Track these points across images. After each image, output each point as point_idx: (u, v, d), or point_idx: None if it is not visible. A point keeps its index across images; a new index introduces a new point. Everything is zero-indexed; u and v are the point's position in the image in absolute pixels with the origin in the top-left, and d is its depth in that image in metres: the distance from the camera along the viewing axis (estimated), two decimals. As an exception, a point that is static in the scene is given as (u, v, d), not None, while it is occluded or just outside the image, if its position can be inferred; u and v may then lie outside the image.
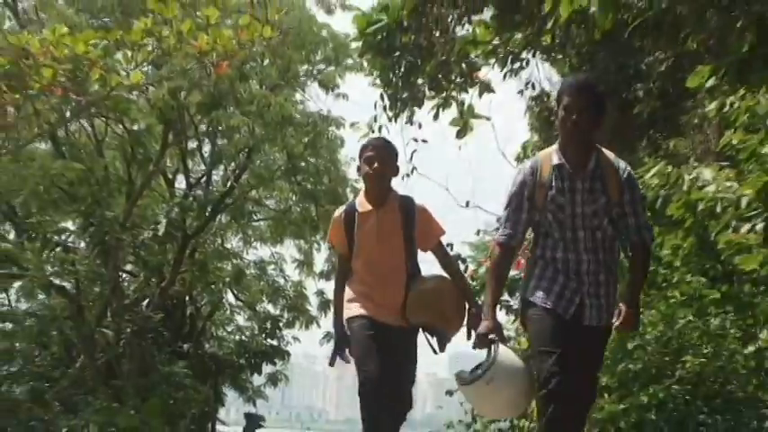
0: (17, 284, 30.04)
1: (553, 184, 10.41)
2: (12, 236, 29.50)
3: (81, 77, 22.95)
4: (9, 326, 29.44)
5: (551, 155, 10.82)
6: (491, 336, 11.05)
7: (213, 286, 33.03)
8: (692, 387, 15.47)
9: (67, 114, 25.98)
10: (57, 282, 29.30)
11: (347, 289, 12.84)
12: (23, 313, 30.30)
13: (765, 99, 14.92)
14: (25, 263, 28.06)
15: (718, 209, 15.76)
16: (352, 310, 12.67)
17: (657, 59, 23.50)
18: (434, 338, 12.76)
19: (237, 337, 35.37)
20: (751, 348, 15.27)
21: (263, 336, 38.36)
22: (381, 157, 12.37)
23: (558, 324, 10.87)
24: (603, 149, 10.88)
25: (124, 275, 29.51)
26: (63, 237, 30.63)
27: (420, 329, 12.78)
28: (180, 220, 30.34)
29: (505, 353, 11.16)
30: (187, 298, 30.95)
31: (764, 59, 14.05)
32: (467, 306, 12.81)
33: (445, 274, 12.89)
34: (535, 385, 11.25)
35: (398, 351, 12.38)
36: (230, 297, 37.77)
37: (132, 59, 24.30)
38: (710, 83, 15.36)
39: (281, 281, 40.35)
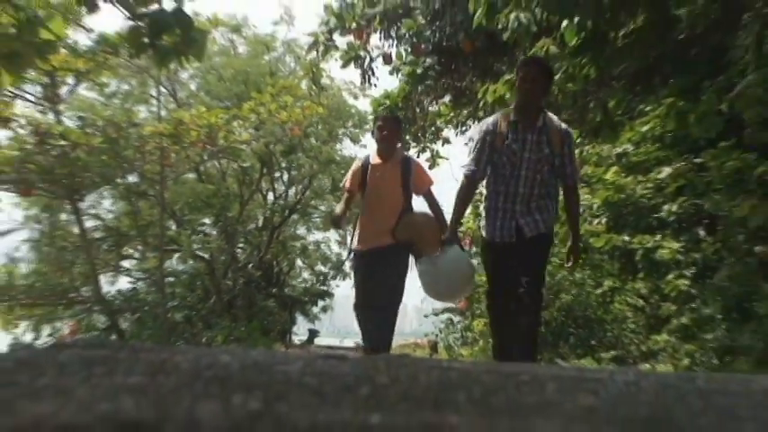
0: (176, 255, 30.23)
1: (509, 135, 9.88)
2: (174, 227, 29.74)
3: (213, 136, 23.62)
4: (171, 279, 29.63)
5: (509, 113, 10.18)
6: (449, 241, 10.76)
7: (289, 256, 33.65)
8: (565, 313, 15.66)
9: (205, 157, 26.64)
10: (199, 254, 29.52)
11: (359, 222, 12.47)
12: (180, 272, 30.62)
13: (606, 149, 15.37)
14: (181, 243, 28.56)
15: (581, 211, 16.18)
16: (355, 244, 12.53)
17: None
18: (414, 252, 11.89)
19: (303, 285, 35.24)
20: (599, 291, 15.42)
21: (318, 284, 36.21)
22: (389, 128, 11.99)
23: (500, 253, 10.19)
24: (549, 113, 10.13)
25: (238, 250, 29.77)
26: (203, 227, 31.04)
27: (406, 248, 11.91)
28: (270, 218, 30.75)
29: (456, 251, 10.81)
30: (275, 262, 31.26)
31: (609, 127, 14.31)
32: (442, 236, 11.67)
33: (430, 213, 12.16)
34: (474, 281, 11.55)
35: (389, 264, 11.73)
36: (299, 262, 36.16)
37: (243, 125, 24.98)
38: (576, 139, 15.62)
39: (328, 252, 37.58)
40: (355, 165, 12.46)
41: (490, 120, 10.38)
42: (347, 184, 12.39)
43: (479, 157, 10.18)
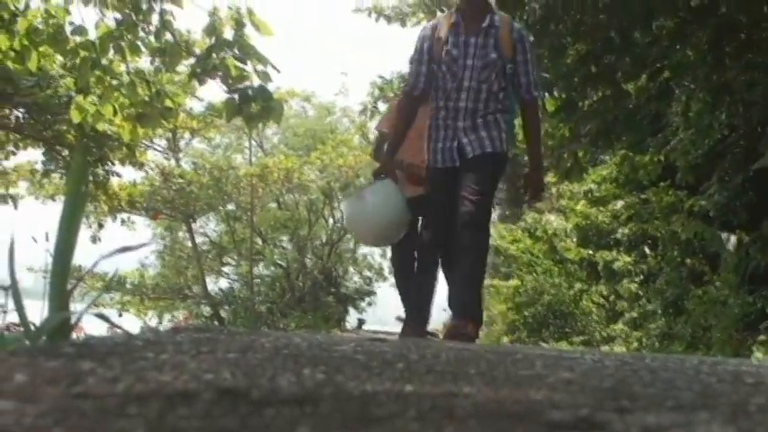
0: (262, 263, 30.14)
1: (450, 39, 7.00)
2: (260, 243, 29.60)
3: (290, 176, 23.59)
4: (258, 280, 29.56)
5: (451, 15, 7.49)
6: (381, 172, 7.60)
7: (344, 264, 33.30)
8: (546, 308, 15.67)
9: (284, 192, 26.72)
10: (279, 262, 29.53)
11: None
12: (264, 275, 30.47)
13: (576, 187, 15.38)
14: (266, 255, 28.91)
15: (558, 232, 16.18)
16: None
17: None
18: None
19: (354, 286, 34.68)
20: (571, 292, 15.41)
21: (365, 285, 35.42)
22: None
23: (441, 182, 7.15)
24: (501, 13, 7.56)
25: (307, 260, 29.74)
26: (282, 243, 30.72)
27: None
28: (330, 236, 30.58)
29: (386, 185, 7.56)
30: (333, 269, 31.13)
31: (578, 171, 14.28)
32: None
33: None
34: (406, 221, 7.64)
35: None
36: (351, 269, 35.42)
37: (311, 169, 25.03)
38: (553, 179, 15.62)
39: (372, 261, 36.57)
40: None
41: (429, 24, 7.66)
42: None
43: (418, 68, 7.28)
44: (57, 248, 3.26)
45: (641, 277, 13.07)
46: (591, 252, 14.59)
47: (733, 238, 10.93)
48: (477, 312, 7.06)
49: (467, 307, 6.85)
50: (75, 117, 10.47)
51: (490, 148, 7.00)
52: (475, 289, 7.15)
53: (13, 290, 3.31)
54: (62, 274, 3.14)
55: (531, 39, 7.65)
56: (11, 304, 3.19)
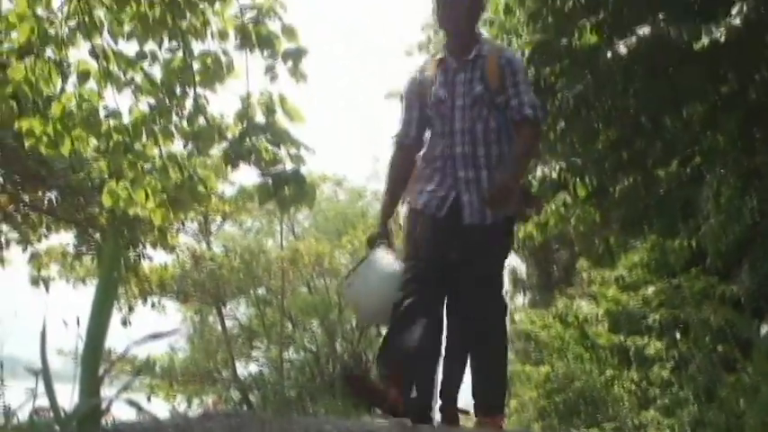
0: (291, 348, 30.04)
1: (438, 78, 6.33)
2: (290, 327, 29.55)
3: (320, 260, 23.70)
4: (288, 365, 29.47)
5: (439, 52, 6.72)
6: (376, 239, 6.79)
7: (373, 348, 33.07)
8: (577, 394, 15.54)
9: (314, 276, 26.75)
10: (308, 346, 29.43)
11: None
12: (294, 360, 30.34)
13: (607, 273, 15.31)
14: (296, 339, 28.83)
15: (589, 318, 16.10)
16: None
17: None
18: None
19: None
20: (602, 378, 15.27)
21: None
22: None
23: (428, 228, 6.32)
24: (489, 41, 7.10)
25: (336, 344, 29.69)
26: (311, 327, 30.56)
27: None
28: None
29: (379, 258, 6.65)
30: (363, 354, 31.07)
31: (609, 257, 14.26)
32: None
33: None
34: None
35: None
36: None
37: (342, 253, 25.09)
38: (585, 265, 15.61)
39: None
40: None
41: (418, 65, 6.84)
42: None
43: (407, 115, 6.62)
44: (89, 333, 3.26)
45: (673, 363, 12.94)
46: (622, 338, 14.48)
47: (765, 325, 10.83)
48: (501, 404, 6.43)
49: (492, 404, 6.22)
50: (107, 202, 10.52)
51: (492, 219, 6.16)
52: (499, 383, 6.42)
53: (45, 375, 3.31)
54: (94, 360, 3.14)
55: (524, 65, 6.78)
56: (40, 388, 3.18)
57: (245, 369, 29.75)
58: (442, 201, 6.22)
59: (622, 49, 9.76)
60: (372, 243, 6.79)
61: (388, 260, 6.68)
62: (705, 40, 8.76)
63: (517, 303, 23.10)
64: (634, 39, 9.63)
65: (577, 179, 11.87)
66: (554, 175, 11.81)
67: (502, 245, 6.48)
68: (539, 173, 11.95)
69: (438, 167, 6.31)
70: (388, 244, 6.70)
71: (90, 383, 2.86)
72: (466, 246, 6.17)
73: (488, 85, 6.21)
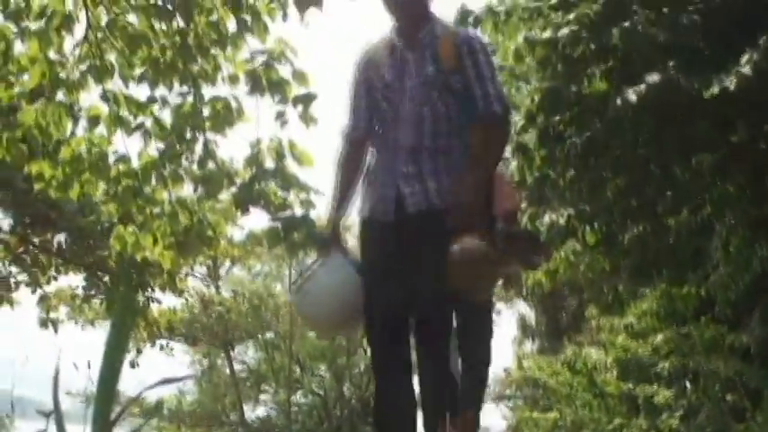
0: (299, 391, 29.95)
1: (385, 61, 5.52)
2: (298, 371, 29.51)
3: None
4: (296, 408, 29.43)
5: (387, 34, 5.84)
6: (327, 246, 6.01)
7: None
8: None
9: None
10: (316, 390, 29.34)
11: None
12: (302, 404, 30.23)
13: (616, 321, 15.26)
14: (303, 383, 28.83)
15: (598, 366, 16.03)
16: None
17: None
18: None
19: None
20: (610, 426, 15.20)
21: None
22: None
23: (378, 240, 5.53)
24: (445, 22, 5.93)
25: (344, 388, 29.61)
26: (319, 371, 30.46)
27: None
28: (368, 365, 30.56)
29: (330, 262, 5.86)
30: (371, 398, 30.91)
31: (618, 305, 14.24)
32: None
33: None
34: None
35: None
36: None
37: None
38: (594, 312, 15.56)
39: None
40: None
41: (363, 50, 5.87)
42: None
43: (355, 104, 5.79)
44: (101, 377, 3.25)
45: (682, 412, 12.87)
46: (631, 386, 14.40)
47: (774, 375, 10.81)
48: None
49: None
50: (116, 246, 10.52)
51: (437, 202, 5.26)
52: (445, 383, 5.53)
53: (57, 418, 3.31)
54: (106, 403, 3.12)
55: (486, 48, 5.51)
56: (51, 429, 3.18)
57: (253, 412, 29.81)
58: (387, 203, 5.36)
59: (632, 96, 9.70)
60: (322, 249, 6.03)
61: (339, 264, 5.86)
62: (715, 89, 8.74)
63: (525, 350, 23.02)
64: (643, 86, 9.57)
65: (586, 226, 11.83)
66: (563, 222, 11.71)
67: (439, 233, 5.22)
68: (547, 219, 11.91)
69: (383, 163, 5.49)
70: (341, 249, 5.88)
71: (103, 426, 2.82)
72: (413, 235, 5.28)
73: (441, 65, 5.29)
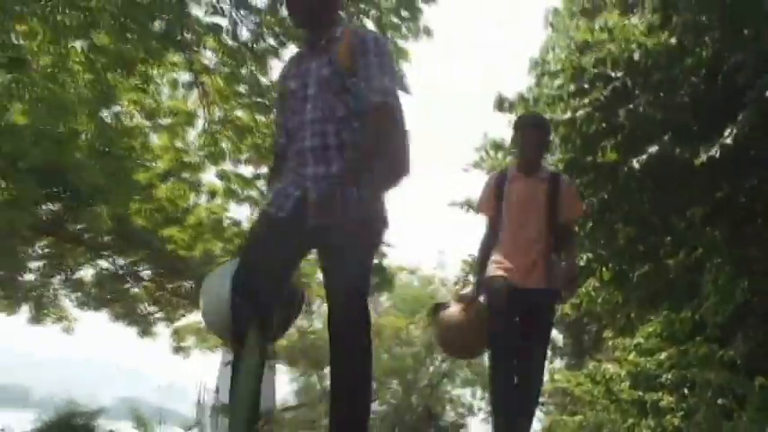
0: (376, 402, 29.75)
1: (293, 72, 4.62)
2: (374, 385, 29.24)
3: (399, 333, 23.22)
4: (374, 416, 29.15)
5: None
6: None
7: (442, 402, 32.31)
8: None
9: (394, 345, 26.57)
10: (390, 401, 29.19)
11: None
12: (380, 411, 30.00)
13: (628, 341, 15.12)
14: (380, 395, 28.74)
15: (614, 377, 15.86)
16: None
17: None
18: None
19: (450, 420, 33.36)
20: (625, 425, 15.05)
21: (459, 419, 33.95)
22: (532, 131, 6.26)
23: (265, 227, 4.42)
24: (350, 25, 5.51)
25: (412, 398, 29.37)
26: (390, 387, 30.18)
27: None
28: (431, 380, 30.16)
29: (222, 268, 4.74)
30: (433, 406, 30.55)
31: (629, 329, 14.14)
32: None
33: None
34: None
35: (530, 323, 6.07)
36: (448, 406, 34.10)
37: (417, 327, 24.75)
38: (610, 335, 15.43)
39: (464, 401, 33.92)
40: (489, 180, 6.48)
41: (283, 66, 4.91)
42: (481, 208, 6.47)
43: (277, 119, 4.90)
44: (239, 395, 3.17)
45: (682, 414, 12.71)
46: (641, 393, 14.27)
47: (756, 383, 10.69)
48: None
49: None
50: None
51: (341, 217, 4.04)
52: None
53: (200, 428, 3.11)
54: (249, 417, 3.03)
55: (384, 47, 4.45)
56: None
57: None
58: (285, 198, 4.30)
59: (636, 164, 9.73)
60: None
61: (221, 271, 4.70)
62: (703, 157, 8.72)
63: (555, 366, 22.72)
64: (645, 156, 9.59)
65: (603, 267, 11.87)
66: (583, 264, 11.70)
67: (351, 247, 4.14)
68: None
69: (291, 166, 4.43)
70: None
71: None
72: (325, 254, 4.29)
73: (338, 67, 4.33)
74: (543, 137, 6.35)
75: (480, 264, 6.25)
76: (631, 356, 14.84)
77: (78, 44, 9.55)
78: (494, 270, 6.01)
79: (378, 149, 4.22)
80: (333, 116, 4.29)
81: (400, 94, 4.32)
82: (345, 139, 4.28)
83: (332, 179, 4.16)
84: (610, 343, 17.24)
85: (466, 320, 6.06)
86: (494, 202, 6.22)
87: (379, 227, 4.34)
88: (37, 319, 12.44)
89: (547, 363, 6.56)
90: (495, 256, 6.08)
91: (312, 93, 4.37)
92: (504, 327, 5.82)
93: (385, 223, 4.38)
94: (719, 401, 11.94)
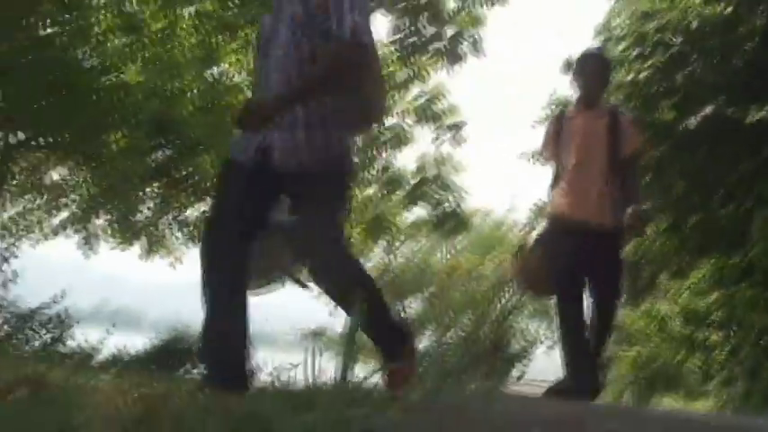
0: (449, 333, 29.82)
1: (266, 19, 3.97)
2: (447, 318, 29.15)
3: (471, 272, 22.99)
4: (446, 345, 29.22)
5: None
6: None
7: (508, 334, 32.15)
8: (657, 370, 15.38)
9: (467, 282, 26.54)
10: (461, 333, 29.23)
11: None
12: (452, 342, 30.00)
13: (681, 282, 15.05)
14: (454, 328, 28.86)
15: (666, 316, 15.85)
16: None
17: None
18: None
19: (516, 350, 33.20)
20: (676, 359, 15.09)
21: (524, 350, 33.91)
22: (592, 66, 5.42)
23: (231, 170, 3.78)
24: None
25: (481, 331, 29.31)
26: (464, 319, 30.17)
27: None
28: (498, 315, 30.23)
29: None
30: (501, 338, 30.41)
31: (682, 271, 14.03)
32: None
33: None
34: None
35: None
36: (513, 338, 33.80)
37: (488, 267, 24.50)
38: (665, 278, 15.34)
39: (528, 333, 34.37)
40: (548, 125, 5.86)
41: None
42: (544, 154, 5.88)
43: (255, 65, 4.23)
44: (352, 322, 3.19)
45: (728, 350, 12.71)
46: (691, 330, 14.28)
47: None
48: None
49: None
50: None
51: (307, 160, 3.56)
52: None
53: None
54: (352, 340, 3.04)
55: None
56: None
57: (418, 345, 29.81)
58: (248, 143, 3.68)
59: (692, 122, 9.69)
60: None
61: None
62: (753, 117, 8.68)
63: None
64: (700, 116, 9.55)
65: (660, 216, 11.85)
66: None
67: (330, 188, 3.66)
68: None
69: None
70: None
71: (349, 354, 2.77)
72: (301, 201, 3.70)
73: (309, 7, 3.64)
74: (603, 69, 5.61)
75: (550, 205, 5.69)
76: (683, 297, 14.78)
77: (186, 11, 10.08)
78: (556, 208, 5.55)
79: (329, 83, 3.60)
80: (298, 59, 3.65)
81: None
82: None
83: (297, 124, 3.58)
84: (664, 285, 17.15)
85: (538, 261, 5.47)
86: (553, 145, 5.57)
87: (345, 170, 3.78)
88: (149, 252, 12.82)
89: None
90: (558, 196, 5.54)
91: (282, 34, 3.72)
92: (567, 267, 5.29)
93: (351, 166, 3.89)
94: (761, 341, 11.91)
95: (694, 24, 9.98)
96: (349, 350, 2.79)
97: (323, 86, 3.59)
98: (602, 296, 5.42)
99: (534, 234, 5.87)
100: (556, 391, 5.21)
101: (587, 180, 5.33)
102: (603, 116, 5.38)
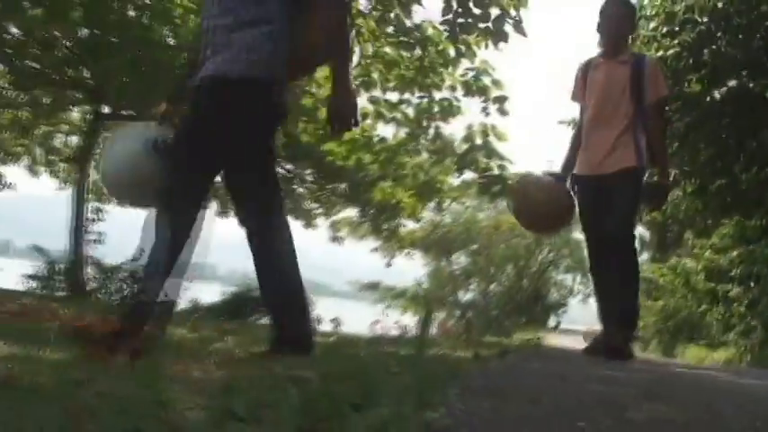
0: (493, 284, 29.80)
1: None
2: (492, 270, 29.20)
3: (513, 228, 22.90)
4: (490, 295, 29.26)
5: None
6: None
7: (547, 285, 32.25)
8: (681, 321, 15.39)
9: (510, 237, 26.48)
10: (505, 283, 29.21)
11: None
12: (496, 291, 30.06)
13: (705, 241, 14.93)
14: (497, 278, 28.89)
15: (691, 271, 15.78)
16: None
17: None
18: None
19: (554, 300, 33.26)
20: (698, 311, 15.05)
21: (561, 300, 31.85)
22: (616, 13, 4.83)
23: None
24: None
25: (523, 282, 29.32)
26: (507, 270, 30.23)
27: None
28: (539, 267, 30.15)
29: (126, 130, 4.56)
30: (540, 288, 30.46)
31: (706, 231, 13.95)
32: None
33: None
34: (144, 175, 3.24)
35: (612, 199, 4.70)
36: (552, 288, 32.73)
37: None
38: (690, 234, 15.20)
39: (565, 285, 32.70)
40: (576, 71, 5.19)
41: None
42: (573, 97, 5.18)
43: None
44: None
45: (747, 302, 12.66)
46: (713, 284, 14.22)
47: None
48: None
49: None
50: (377, 196, 11.21)
51: (222, 72, 3.03)
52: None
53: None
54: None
55: None
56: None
57: (464, 297, 29.96)
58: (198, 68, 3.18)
59: (717, 95, 9.66)
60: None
61: (128, 132, 4.05)
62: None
63: (642, 259, 22.46)
64: (725, 89, 9.52)
65: (687, 180, 11.83)
66: (670, 178, 11.63)
67: (239, 104, 3.05)
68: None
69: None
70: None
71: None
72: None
73: None
74: (627, 15, 5.02)
75: (570, 146, 5.13)
76: (707, 254, 14.73)
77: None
78: (576, 161, 5.03)
79: (337, 42, 3.17)
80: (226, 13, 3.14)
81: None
82: (246, 18, 3.09)
83: (220, 52, 3.10)
84: (689, 242, 17.06)
85: (548, 194, 5.01)
86: (582, 90, 5.06)
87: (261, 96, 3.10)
88: (222, 212, 13.06)
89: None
90: (581, 144, 5.02)
91: None
92: (591, 220, 4.90)
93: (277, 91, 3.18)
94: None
95: (720, 4, 9.88)
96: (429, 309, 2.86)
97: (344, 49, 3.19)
98: (608, 227, 4.70)
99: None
100: (592, 349, 4.84)
101: (606, 127, 4.82)
102: (627, 64, 4.84)
